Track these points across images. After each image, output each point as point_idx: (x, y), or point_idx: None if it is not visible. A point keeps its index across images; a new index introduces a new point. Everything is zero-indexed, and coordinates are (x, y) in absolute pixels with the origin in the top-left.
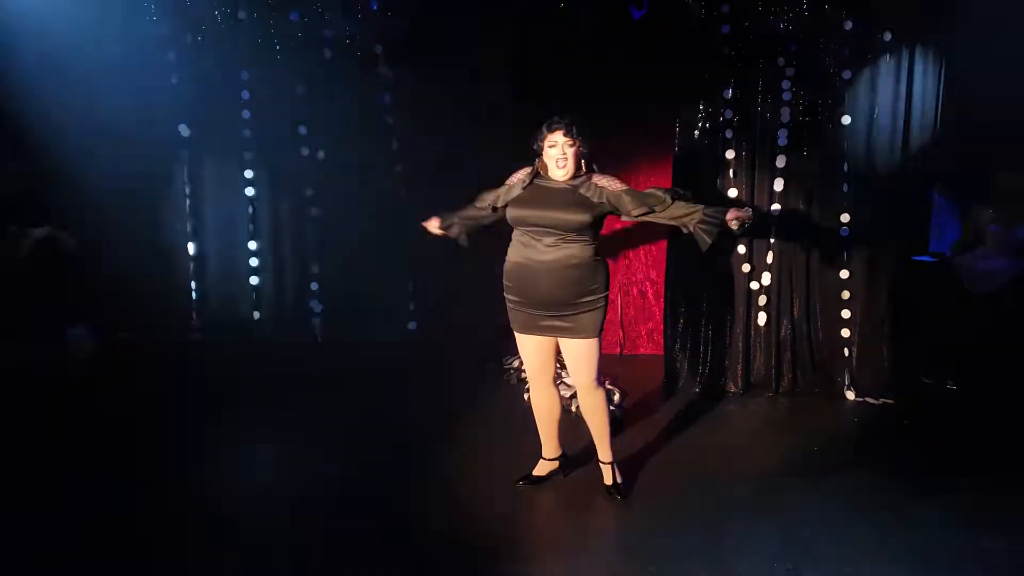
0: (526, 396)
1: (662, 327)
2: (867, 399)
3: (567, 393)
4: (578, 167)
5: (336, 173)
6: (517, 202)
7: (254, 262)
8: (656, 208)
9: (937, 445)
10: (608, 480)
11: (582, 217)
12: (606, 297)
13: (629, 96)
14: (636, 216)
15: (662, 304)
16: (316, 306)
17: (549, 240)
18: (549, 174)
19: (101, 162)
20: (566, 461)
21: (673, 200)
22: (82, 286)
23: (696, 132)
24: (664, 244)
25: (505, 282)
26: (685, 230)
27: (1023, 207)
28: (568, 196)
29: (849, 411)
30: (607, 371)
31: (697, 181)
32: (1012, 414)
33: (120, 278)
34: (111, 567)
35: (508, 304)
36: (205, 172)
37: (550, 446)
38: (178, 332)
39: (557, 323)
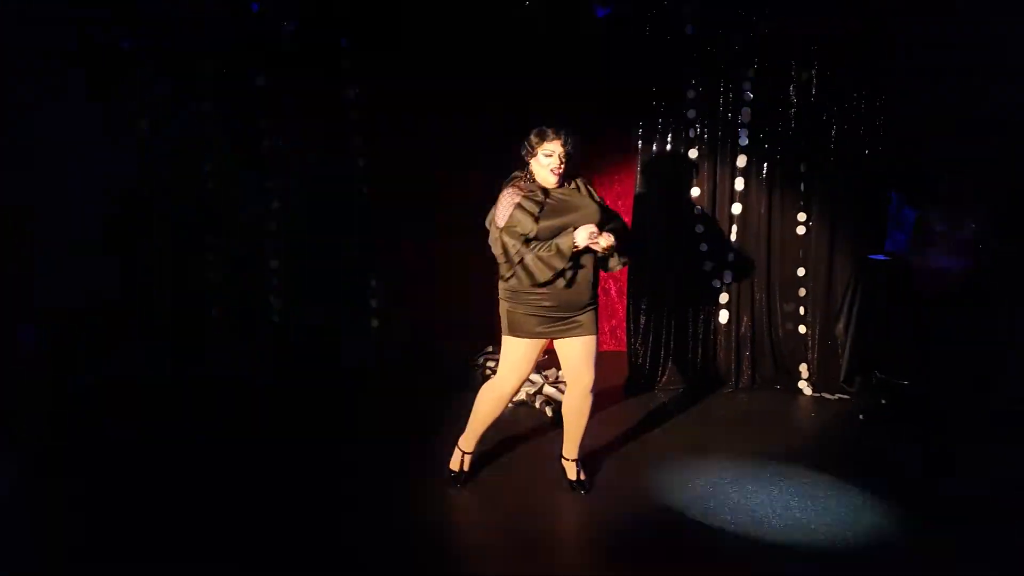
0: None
1: (624, 324)
2: (824, 395)
3: (531, 389)
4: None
5: (298, 167)
6: (548, 214)
7: (211, 256)
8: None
9: (891, 439)
10: (572, 476)
11: (597, 212)
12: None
13: (592, 95)
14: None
15: (625, 301)
16: (275, 302)
17: None
18: (539, 180)
19: None
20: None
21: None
22: None
23: (659, 132)
24: None
25: (522, 292)
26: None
27: (970, 209)
28: (575, 197)
29: (806, 406)
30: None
31: (660, 180)
32: (959, 409)
33: None
34: None
35: (521, 311)
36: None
37: (476, 442)
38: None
39: (569, 323)
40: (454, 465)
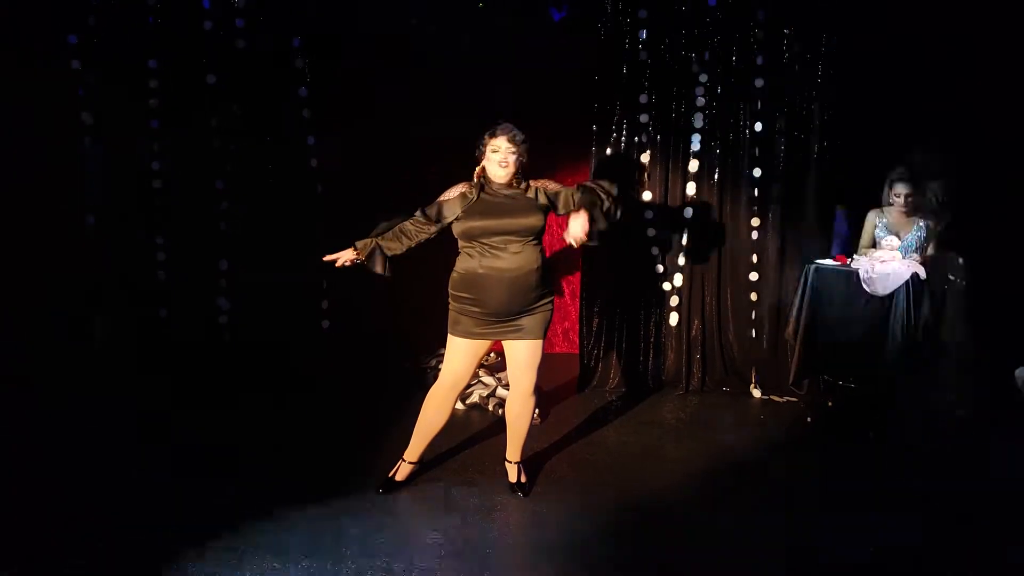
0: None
1: (578, 326)
2: (772, 397)
3: (485, 392)
4: (518, 173)
5: (249, 167)
6: (469, 214)
7: (160, 256)
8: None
9: (838, 440)
10: (513, 478)
11: (535, 220)
12: (552, 300)
13: (546, 98)
14: (563, 213)
15: (578, 304)
16: (224, 304)
17: (508, 247)
18: (491, 177)
19: None
20: (420, 467)
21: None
22: None
23: (612, 135)
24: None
25: (461, 292)
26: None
27: (914, 215)
28: (519, 202)
29: (755, 409)
30: None
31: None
32: (900, 408)
33: None
34: None
35: (457, 309)
36: (111, 162)
37: (418, 451)
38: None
39: (506, 327)
40: (392, 471)
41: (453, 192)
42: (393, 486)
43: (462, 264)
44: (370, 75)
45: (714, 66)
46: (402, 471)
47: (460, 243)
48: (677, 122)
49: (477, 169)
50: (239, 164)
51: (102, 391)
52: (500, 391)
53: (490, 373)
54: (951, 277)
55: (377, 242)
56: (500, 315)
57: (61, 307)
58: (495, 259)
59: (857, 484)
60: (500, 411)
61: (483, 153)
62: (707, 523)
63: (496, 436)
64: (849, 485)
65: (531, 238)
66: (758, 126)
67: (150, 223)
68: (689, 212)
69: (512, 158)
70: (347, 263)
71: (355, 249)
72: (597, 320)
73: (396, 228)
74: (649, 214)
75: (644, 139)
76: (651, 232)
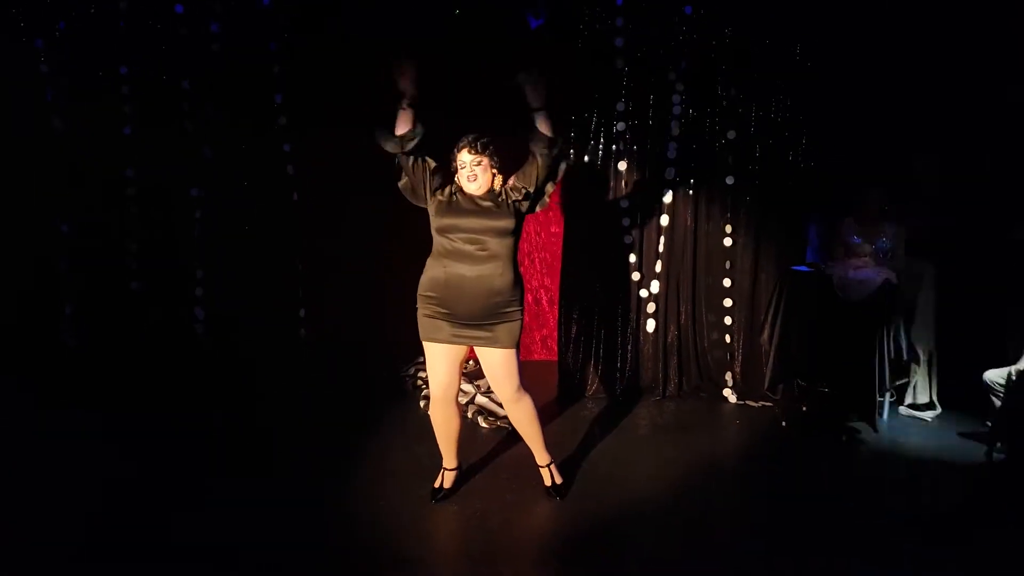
0: (422, 404)
1: (556, 333)
2: (748, 402)
3: (464, 399)
4: (493, 179)
5: (225, 174)
6: (444, 210)
7: (134, 265)
8: (533, 156)
9: (812, 445)
10: (548, 481)
11: (505, 223)
12: (522, 310)
13: (523, 105)
14: (529, 175)
15: (556, 311)
16: (199, 313)
17: (477, 249)
18: (464, 187)
19: None
20: (460, 472)
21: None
22: None
23: (590, 143)
24: (559, 252)
25: (427, 293)
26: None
27: (885, 222)
28: (491, 204)
29: (731, 414)
30: None
31: (589, 191)
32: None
33: None
34: None
35: (424, 313)
36: (83, 168)
37: (451, 457)
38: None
39: (476, 333)
40: (436, 482)
41: (447, 177)
42: (441, 493)
43: (432, 264)
44: (346, 80)
45: (690, 75)
46: (447, 479)
47: (433, 241)
48: (654, 130)
49: (456, 178)
50: (214, 171)
51: (74, 400)
52: (479, 399)
53: (469, 380)
54: (921, 283)
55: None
56: (467, 318)
57: (33, 314)
58: (464, 264)
59: (831, 486)
60: (479, 419)
61: (454, 168)
62: (683, 526)
63: (477, 442)
64: (823, 487)
65: (503, 239)
66: (731, 134)
67: (123, 230)
68: (665, 219)
69: (479, 170)
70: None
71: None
72: (575, 327)
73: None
74: (626, 221)
75: (621, 147)
76: (628, 239)
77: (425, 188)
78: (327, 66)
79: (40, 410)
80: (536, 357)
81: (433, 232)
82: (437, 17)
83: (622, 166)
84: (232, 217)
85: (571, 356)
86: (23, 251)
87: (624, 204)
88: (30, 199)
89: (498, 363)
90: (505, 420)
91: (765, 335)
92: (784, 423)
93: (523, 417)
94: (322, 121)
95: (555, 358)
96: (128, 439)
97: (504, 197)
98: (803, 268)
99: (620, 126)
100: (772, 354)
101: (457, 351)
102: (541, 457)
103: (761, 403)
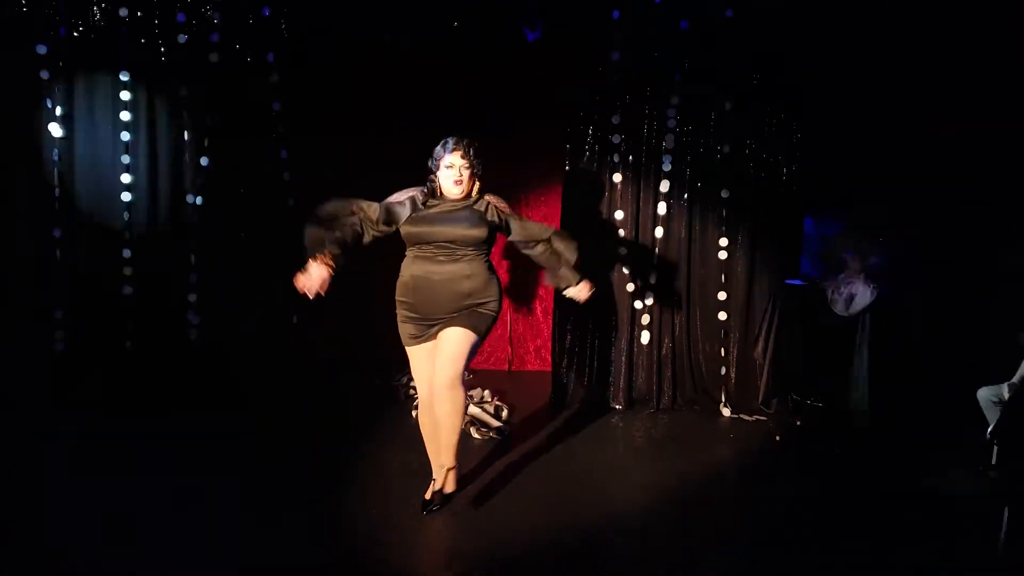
0: (414, 413)
1: (550, 344)
2: (742, 416)
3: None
4: (473, 186)
5: (222, 180)
6: (415, 220)
7: (128, 271)
8: (533, 241)
9: (805, 459)
10: (439, 484)
11: (479, 232)
12: (497, 310)
13: (520, 119)
14: (516, 240)
15: (550, 322)
16: (193, 319)
17: (447, 255)
18: (444, 193)
19: None
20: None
21: (550, 240)
22: None
23: (585, 156)
24: None
25: (400, 297)
26: (550, 276)
27: (877, 237)
28: (464, 214)
29: (725, 427)
30: (495, 387)
31: (585, 203)
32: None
33: None
34: None
35: (401, 317)
36: (80, 174)
37: (432, 461)
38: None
39: (442, 324)
40: (427, 492)
41: (403, 195)
42: (434, 505)
43: (403, 268)
44: (343, 89)
45: (685, 88)
46: (439, 483)
47: (406, 247)
48: (649, 143)
49: (432, 181)
50: (211, 177)
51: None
52: (473, 408)
53: None
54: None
55: (337, 248)
56: (432, 318)
57: (27, 319)
58: (433, 265)
59: (824, 502)
60: (471, 429)
61: (437, 166)
62: (676, 540)
63: (471, 453)
64: (817, 503)
65: (473, 249)
66: (727, 148)
67: (119, 236)
68: (660, 231)
69: (467, 173)
70: (326, 282)
71: (325, 264)
72: (569, 338)
73: (348, 226)
74: (621, 233)
75: (616, 159)
76: (623, 251)
77: (393, 224)
78: (325, 74)
79: (35, 411)
80: (529, 367)
81: (406, 238)
82: (435, 27)
83: (617, 178)
84: (228, 223)
85: (565, 367)
86: (18, 254)
87: (619, 216)
88: (27, 204)
89: (452, 340)
90: (497, 431)
91: (759, 348)
92: (778, 437)
93: (451, 409)
94: (319, 129)
95: (549, 368)
96: (118, 441)
97: (483, 209)
98: (797, 282)
99: (615, 138)
100: (766, 367)
101: (432, 346)
102: (448, 457)
103: (755, 417)
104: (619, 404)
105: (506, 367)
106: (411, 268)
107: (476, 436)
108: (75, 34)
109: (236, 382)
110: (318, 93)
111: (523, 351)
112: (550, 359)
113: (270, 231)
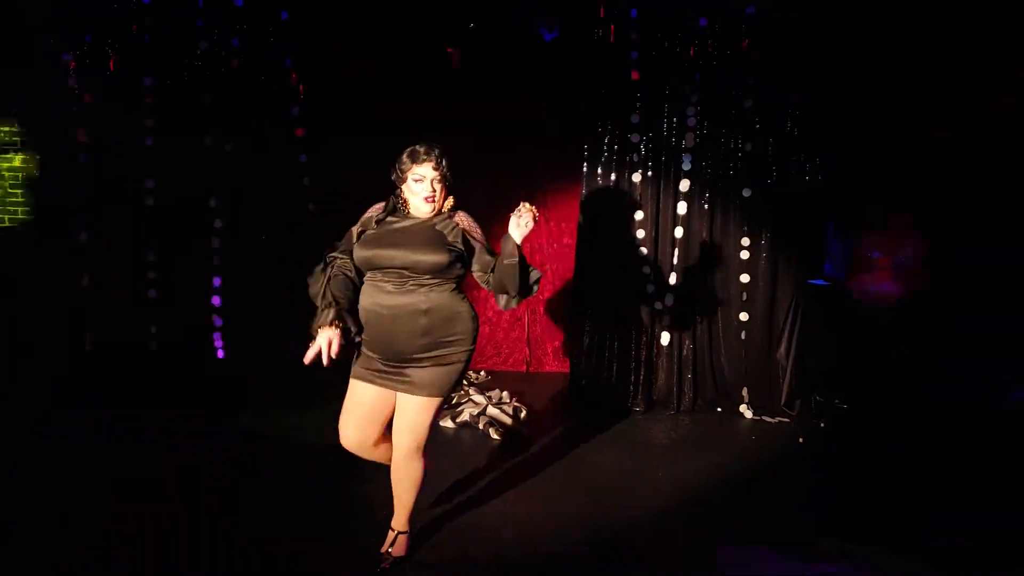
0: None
1: (569, 345)
2: (764, 417)
3: (475, 410)
4: (444, 203)
5: (243, 184)
6: (364, 242)
7: (152, 274)
8: (488, 273)
9: (830, 461)
10: (386, 546)
11: (437, 258)
12: (467, 352)
13: (537, 118)
14: (475, 274)
15: (569, 323)
16: (217, 322)
17: (396, 285)
18: (411, 209)
19: None
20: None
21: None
22: None
23: (603, 155)
24: (571, 264)
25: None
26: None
27: (904, 237)
28: (423, 234)
29: (747, 429)
30: (513, 388)
31: (604, 203)
32: (893, 429)
33: None
34: None
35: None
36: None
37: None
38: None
39: (397, 375)
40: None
41: (369, 211)
42: (388, 559)
43: (361, 295)
44: (362, 93)
45: (705, 87)
46: (399, 544)
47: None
48: (668, 142)
49: (396, 195)
50: (232, 182)
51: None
52: (491, 410)
53: (480, 392)
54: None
55: (333, 313)
56: (390, 360)
57: (52, 322)
58: (381, 296)
59: (850, 504)
60: (491, 430)
61: (403, 179)
62: (700, 543)
63: (489, 454)
64: (842, 505)
65: (430, 277)
66: (748, 146)
67: (142, 240)
68: (680, 231)
69: (439, 187)
70: (338, 337)
71: (336, 327)
72: (588, 339)
73: (342, 280)
74: (640, 233)
75: (635, 159)
76: (642, 251)
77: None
78: (344, 79)
79: (56, 409)
80: (548, 369)
81: (358, 263)
82: (451, 29)
83: (636, 178)
84: (250, 227)
85: (584, 368)
86: (45, 258)
87: (638, 216)
88: (53, 207)
89: (409, 410)
90: (515, 432)
91: (782, 349)
92: (802, 439)
93: (405, 478)
94: (339, 132)
95: (567, 369)
96: (135, 441)
97: (447, 232)
98: (820, 282)
99: (635, 138)
100: (789, 369)
101: (377, 398)
102: (399, 521)
103: (778, 419)
104: (639, 406)
105: (524, 368)
106: (365, 297)
107: (495, 437)
108: (100, 41)
109: (261, 385)
110: (337, 97)
111: (541, 352)
112: (568, 360)
113: (291, 234)
